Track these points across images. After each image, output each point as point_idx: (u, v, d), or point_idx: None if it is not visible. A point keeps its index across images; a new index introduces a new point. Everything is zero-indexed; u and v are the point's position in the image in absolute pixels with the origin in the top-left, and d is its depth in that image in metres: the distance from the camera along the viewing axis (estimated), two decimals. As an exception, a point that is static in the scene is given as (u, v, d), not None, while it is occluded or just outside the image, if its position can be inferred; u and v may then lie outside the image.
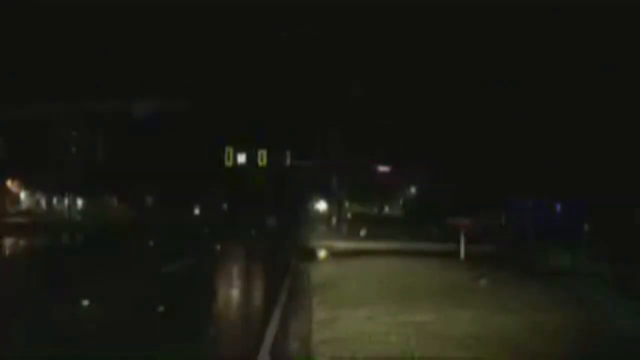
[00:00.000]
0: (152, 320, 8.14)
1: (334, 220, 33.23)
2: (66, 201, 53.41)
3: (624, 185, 29.19)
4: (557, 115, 31.67)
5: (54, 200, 60.01)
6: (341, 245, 23.45)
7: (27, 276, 12.81)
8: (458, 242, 16.88)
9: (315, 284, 11.04)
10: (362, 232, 28.55)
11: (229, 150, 30.46)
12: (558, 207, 30.62)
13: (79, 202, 62.09)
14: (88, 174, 48.11)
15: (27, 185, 53.31)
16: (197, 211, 67.82)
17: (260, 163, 31.07)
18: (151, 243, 21.52)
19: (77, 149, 24.18)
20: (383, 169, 34.66)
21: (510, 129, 32.90)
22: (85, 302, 8.90)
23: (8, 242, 22.93)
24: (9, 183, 49.69)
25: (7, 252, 19.63)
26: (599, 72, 29.31)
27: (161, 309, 8.67)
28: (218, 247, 20.59)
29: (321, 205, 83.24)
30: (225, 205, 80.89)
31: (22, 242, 23.80)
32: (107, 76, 40.03)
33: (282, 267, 14.59)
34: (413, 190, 54.16)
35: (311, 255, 19.11)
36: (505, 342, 6.32)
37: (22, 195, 54.64)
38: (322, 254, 20.41)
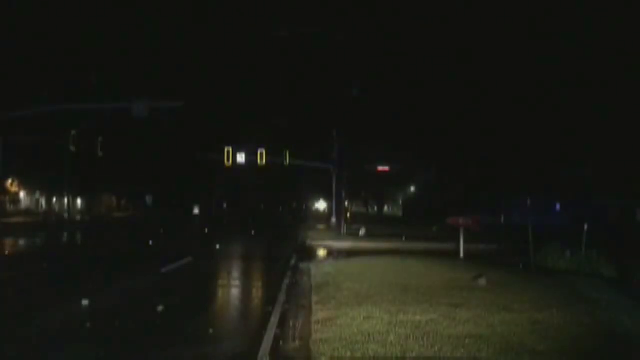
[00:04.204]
0: (151, 320, 8.13)
1: (333, 219, 33.19)
2: (66, 201, 53.36)
3: (625, 186, 29.23)
4: (557, 116, 31.68)
5: (54, 200, 60.01)
6: (341, 244, 23.44)
7: (26, 276, 12.80)
8: (458, 242, 16.89)
9: (315, 283, 11.03)
10: (362, 232, 28.55)
11: (229, 150, 30.40)
12: (557, 206, 30.66)
13: (79, 202, 62.09)
14: (88, 174, 48.16)
15: (26, 185, 53.29)
16: (197, 211, 67.82)
17: (260, 163, 31.01)
18: (151, 243, 21.52)
19: (76, 149, 24.12)
20: (383, 169, 34.63)
21: (510, 129, 32.94)
22: (85, 302, 8.90)
23: (8, 241, 22.93)
24: (9, 183, 49.66)
25: (7, 251, 19.61)
26: (598, 74, 29.35)
27: (161, 308, 8.67)
28: (217, 246, 20.59)
29: (321, 205, 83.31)
30: (225, 205, 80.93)
31: (21, 242, 23.79)
32: (107, 76, 40.07)
33: (282, 267, 14.60)
34: (413, 190, 54.20)
35: (311, 254, 19.11)
36: (505, 341, 6.31)
37: (22, 195, 54.62)
38: (321, 253, 20.41)
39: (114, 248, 20.70)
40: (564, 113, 31.33)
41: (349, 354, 5.90)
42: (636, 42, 27.51)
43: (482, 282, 10.21)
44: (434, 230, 30.42)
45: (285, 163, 32.57)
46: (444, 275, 11.44)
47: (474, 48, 35.37)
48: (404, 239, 25.26)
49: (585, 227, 13.95)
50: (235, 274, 14.87)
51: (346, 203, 33.15)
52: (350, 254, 18.54)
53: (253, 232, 31.12)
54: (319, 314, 7.91)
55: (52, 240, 25.30)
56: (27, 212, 52.02)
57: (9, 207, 50.56)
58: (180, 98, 24.30)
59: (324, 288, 10.14)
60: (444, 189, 42.10)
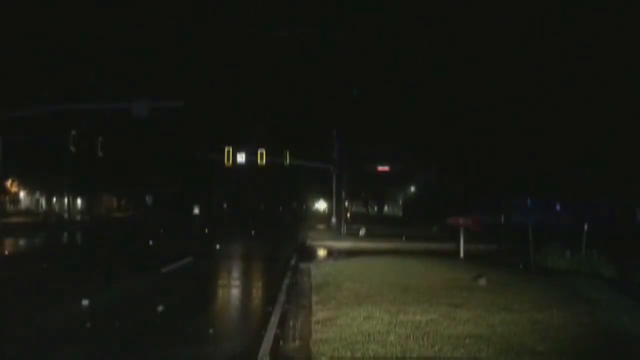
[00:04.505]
0: (151, 320, 8.14)
1: (333, 219, 33.20)
2: (66, 201, 53.35)
3: (625, 186, 29.23)
4: (557, 116, 31.67)
5: (54, 200, 60.01)
6: (341, 244, 23.45)
7: (26, 276, 12.80)
8: (458, 242, 16.90)
9: (315, 283, 11.04)
10: (362, 232, 28.55)
11: (229, 150, 30.41)
12: (558, 206, 30.64)
13: (79, 202, 62.10)
14: (88, 174, 48.16)
15: (26, 185, 53.28)
16: (197, 211, 67.86)
17: (260, 163, 31.02)
18: (151, 243, 21.52)
19: (76, 149, 24.13)
20: (383, 169, 34.64)
21: (510, 129, 32.93)
22: (85, 302, 8.90)
23: (7, 241, 22.92)
24: (9, 183, 49.65)
25: (7, 251, 19.60)
26: (597, 75, 29.35)
27: (161, 308, 8.67)
28: (217, 246, 20.59)
29: (321, 205, 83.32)
30: (225, 205, 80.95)
31: (21, 242, 23.79)
32: (107, 76, 40.05)
33: (282, 267, 14.60)
34: (413, 190, 54.20)
35: (311, 254, 19.11)
36: (505, 341, 6.31)
37: (22, 195, 54.62)
38: (321, 253, 20.42)
39: (114, 248, 20.70)
40: (564, 113, 31.32)
41: (349, 354, 5.90)
42: (636, 42, 27.50)
43: (482, 282, 10.21)
44: (434, 230, 30.43)
45: (285, 163, 32.58)
46: (444, 275, 11.44)
47: (474, 48, 35.38)
48: (404, 239, 25.26)
49: (585, 227, 13.95)
50: (235, 274, 14.88)
51: (346, 203, 33.15)
52: (350, 254, 18.54)
53: (253, 232, 31.13)
54: (319, 314, 7.91)
55: (52, 240, 25.30)
56: (27, 212, 52.02)
57: (9, 207, 50.55)
58: (180, 98, 24.31)
59: (324, 288, 10.14)
60: (444, 189, 42.07)
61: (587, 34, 29.24)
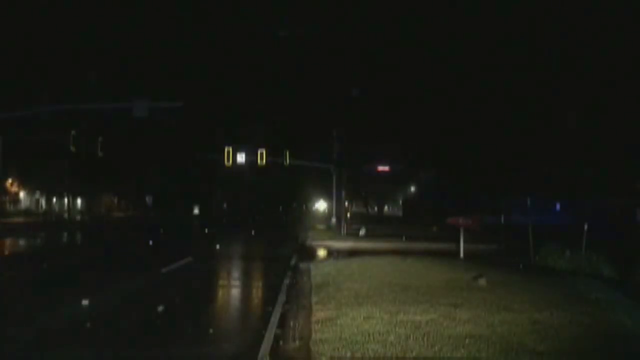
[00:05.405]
0: (151, 320, 8.14)
1: (333, 219, 33.19)
2: (66, 201, 53.33)
3: (624, 186, 29.25)
4: (557, 115, 31.69)
5: (54, 200, 60.01)
6: (341, 244, 23.43)
7: (27, 276, 12.80)
8: (458, 242, 16.89)
9: (315, 283, 11.03)
10: (362, 232, 28.54)
11: (229, 150, 30.40)
12: (558, 206, 30.67)
13: (79, 202, 62.09)
14: (88, 174, 48.19)
15: (26, 185, 53.28)
16: (197, 211, 67.84)
17: (260, 163, 31.02)
18: (151, 243, 21.52)
19: (76, 149, 24.12)
20: (383, 169, 34.65)
21: (511, 130, 32.96)
22: (85, 302, 8.90)
23: (7, 241, 22.92)
24: (9, 183, 49.65)
25: (7, 252, 19.60)
26: (597, 75, 29.37)
27: (161, 308, 8.67)
28: (217, 246, 20.59)
29: (321, 205, 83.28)
30: (225, 205, 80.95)
31: (21, 242, 23.79)
32: (107, 76, 40.07)
33: (282, 267, 14.59)
34: (413, 190, 54.23)
35: (310, 254, 19.10)
36: (505, 341, 6.31)
37: (22, 195, 54.61)
38: (321, 253, 20.40)
39: (113, 248, 20.70)
40: (564, 113, 31.36)
41: (348, 354, 5.90)
42: (636, 42, 27.52)
43: (482, 282, 10.20)
44: (434, 230, 30.42)
45: (285, 163, 32.58)
46: (444, 275, 11.43)
47: (473, 48, 35.42)
48: (404, 239, 25.24)
49: (585, 227, 13.95)
50: (235, 274, 14.87)
51: (346, 203, 33.13)
52: (350, 254, 18.53)
53: (253, 232, 31.12)
54: (319, 314, 7.90)
55: (52, 241, 25.29)
56: (27, 212, 51.99)
57: (9, 207, 50.54)
58: (180, 98, 24.32)
59: (324, 288, 10.14)
60: (444, 189, 42.10)
61: (587, 34, 29.27)
